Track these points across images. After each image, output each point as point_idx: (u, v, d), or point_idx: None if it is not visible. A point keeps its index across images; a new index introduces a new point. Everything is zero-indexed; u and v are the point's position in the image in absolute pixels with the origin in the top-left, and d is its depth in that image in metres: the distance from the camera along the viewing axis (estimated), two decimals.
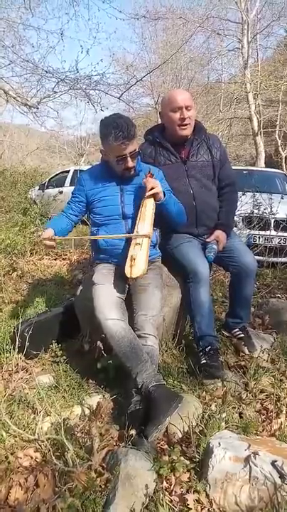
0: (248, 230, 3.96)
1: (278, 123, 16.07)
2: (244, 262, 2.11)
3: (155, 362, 1.75)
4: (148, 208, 1.88)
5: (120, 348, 1.66)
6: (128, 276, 1.72)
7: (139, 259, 1.74)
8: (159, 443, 1.52)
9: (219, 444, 1.36)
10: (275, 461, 1.26)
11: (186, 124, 2.11)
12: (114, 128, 1.78)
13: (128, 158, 1.85)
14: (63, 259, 4.20)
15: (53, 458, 1.36)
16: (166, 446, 1.50)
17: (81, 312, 2.19)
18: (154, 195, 1.89)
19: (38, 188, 9.61)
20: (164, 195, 1.92)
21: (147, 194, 1.87)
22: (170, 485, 1.33)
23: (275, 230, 4.00)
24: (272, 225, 4.02)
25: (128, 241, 1.90)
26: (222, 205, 2.25)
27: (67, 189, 8.12)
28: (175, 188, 2.12)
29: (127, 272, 1.72)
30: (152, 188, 1.85)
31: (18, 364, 2.03)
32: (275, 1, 14.03)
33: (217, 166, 2.23)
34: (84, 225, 2.24)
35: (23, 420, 1.64)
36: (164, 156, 2.20)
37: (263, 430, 1.59)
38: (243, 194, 3.77)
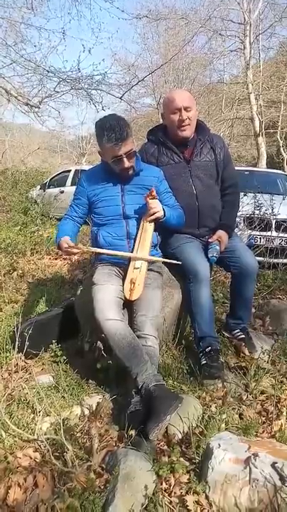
0: (250, 231, 3.95)
1: (280, 124, 16.03)
2: (245, 263, 2.10)
3: (156, 362, 1.75)
4: (149, 231, 1.94)
5: (120, 349, 1.66)
6: (128, 298, 1.86)
7: (139, 284, 1.87)
8: (159, 444, 1.52)
9: (219, 445, 1.36)
10: (276, 463, 1.26)
11: (185, 125, 2.10)
12: (107, 130, 1.77)
13: (124, 159, 1.84)
14: (64, 259, 4.19)
15: (52, 458, 1.36)
16: (166, 447, 1.50)
17: (81, 312, 2.19)
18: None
19: (39, 187, 9.63)
20: (164, 212, 1.93)
21: (149, 218, 1.91)
22: (170, 486, 1.32)
23: (276, 231, 3.99)
24: (273, 226, 4.02)
25: (128, 243, 1.95)
26: (225, 206, 2.24)
27: (69, 189, 8.10)
28: (178, 188, 2.12)
29: (127, 294, 1.86)
30: (154, 213, 1.89)
31: (17, 364, 2.03)
32: (277, 2, 14.03)
33: (221, 165, 2.22)
34: (85, 225, 2.23)
35: (23, 420, 1.64)
36: (167, 156, 2.19)
37: (263, 432, 1.58)
38: (244, 195, 3.76)
